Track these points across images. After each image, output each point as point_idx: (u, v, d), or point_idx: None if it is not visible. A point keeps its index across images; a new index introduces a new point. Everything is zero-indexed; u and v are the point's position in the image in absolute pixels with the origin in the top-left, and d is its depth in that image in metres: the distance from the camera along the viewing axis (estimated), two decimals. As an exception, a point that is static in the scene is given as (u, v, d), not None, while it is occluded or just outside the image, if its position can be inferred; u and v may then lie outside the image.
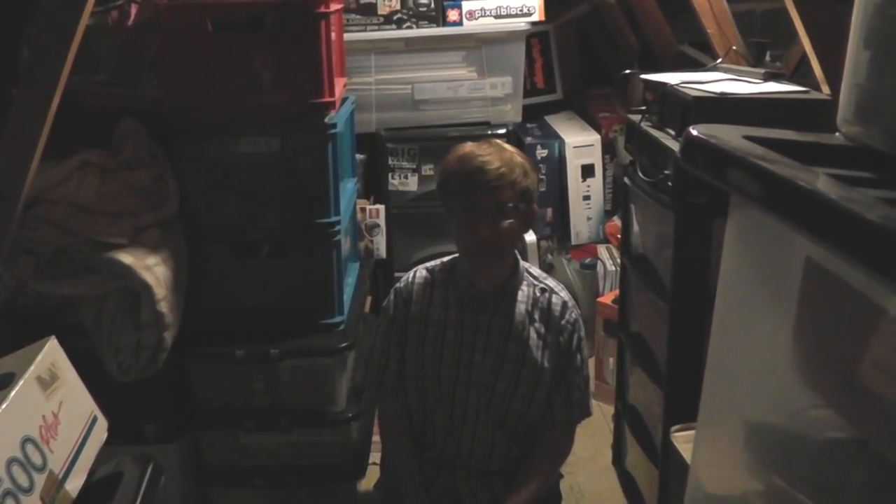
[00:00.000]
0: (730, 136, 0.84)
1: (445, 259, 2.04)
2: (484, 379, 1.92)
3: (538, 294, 1.96)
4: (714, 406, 1.01)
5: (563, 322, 1.94)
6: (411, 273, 2.04)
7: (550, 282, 2.00)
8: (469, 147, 1.89)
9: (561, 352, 1.94)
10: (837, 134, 0.95)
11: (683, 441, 1.47)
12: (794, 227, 0.71)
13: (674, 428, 1.56)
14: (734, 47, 2.66)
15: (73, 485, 1.18)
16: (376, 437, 2.49)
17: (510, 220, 1.84)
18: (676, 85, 2.13)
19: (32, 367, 1.18)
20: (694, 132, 0.87)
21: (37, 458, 1.11)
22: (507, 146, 1.92)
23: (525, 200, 1.87)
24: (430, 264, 2.05)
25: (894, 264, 0.59)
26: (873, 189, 0.75)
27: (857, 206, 0.63)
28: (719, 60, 2.54)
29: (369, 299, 2.91)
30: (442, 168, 1.93)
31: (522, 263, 1.99)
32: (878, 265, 0.61)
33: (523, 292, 1.95)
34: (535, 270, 2.02)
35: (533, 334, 1.93)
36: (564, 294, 1.99)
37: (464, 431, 1.96)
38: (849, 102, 0.93)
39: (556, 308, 1.95)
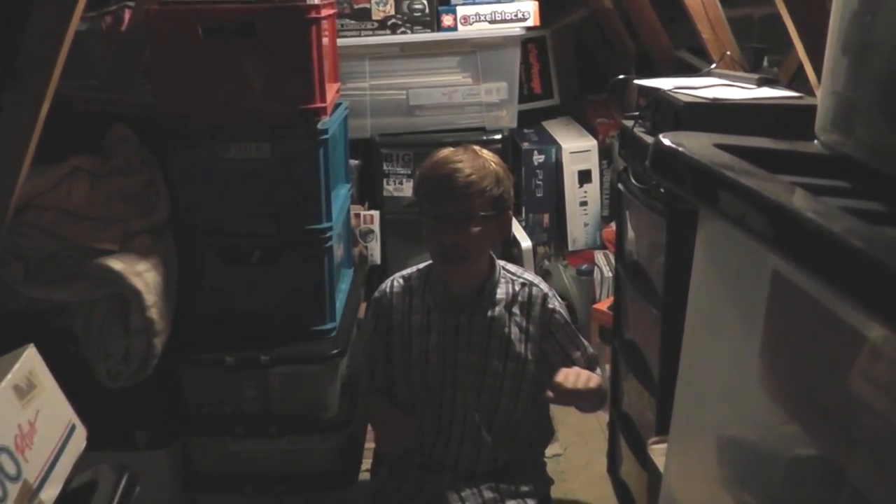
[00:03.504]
0: (699, 144, 0.82)
1: (421, 266, 2.06)
2: (470, 378, 1.94)
3: (518, 288, 1.98)
4: (685, 419, 1.00)
5: (549, 308, 1.97)
6: (387, 283, 2.05)
7: (529, 275, 2.04)
8: (445, 152, 1.90)
9: (552, 331, 1.97)
10: (816, 142, 0.93)
11: (660, 454, 1.46)
12: (759, 240, 0.70)
13: (651, 440, 1.55)
14: (728, 52, 2.65)
15: (49, 494, 1.17)
16: (368, 445, 2.49)
17: (478, 228, 1.85)
18: (669, 90, 2.12)
19: (9, 376, 1.17)
20: (665, 141, 0.85)
21: (11, 468, 1.10)
22: (485, 153, 1.93)
23: (497, 208, 1.88)
24: (405, 272, 2.07)
25: (856, 278, 0.58)
26: (845, 199, 0.73)
27: (820, 218, 0.61)
28: (713, 66, 2.53)
29: (363, 305, 2.90)
30: (421, 170, 1.96)
31: (499, 262, 2.01)
32: (842, 279, 0.60)
33: (502, 289, 1.97)
34: (512, 267, 2.04)
35: (514, 328, 1.95)
36: (544, 286, 2.02)
37: (452, 432, 1.96)
38: (827, 110, 0.91)
39: (538, 299, 1.97)
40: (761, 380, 0.79)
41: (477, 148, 1.95)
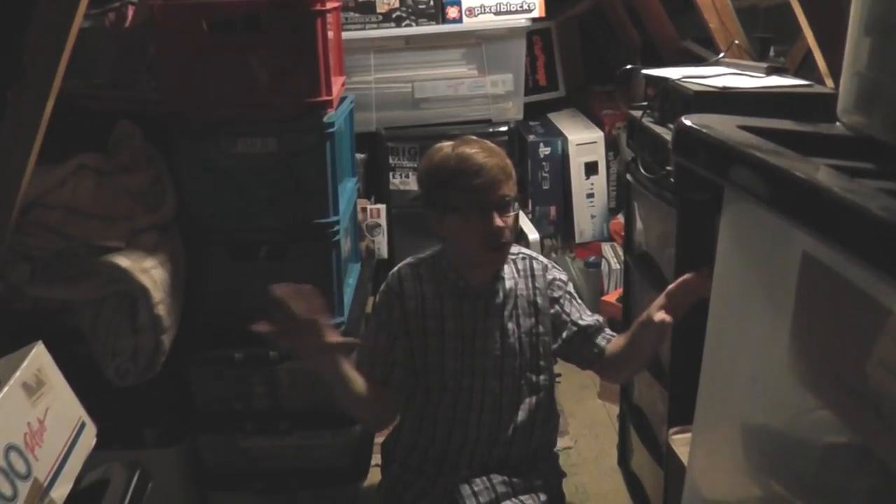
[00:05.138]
0: (724, 126, 0.80)
1: (424, 255, 2.02)
2: (491, 362, 1.91)
3: (521, 265, 1.99)
4: (710, 408, 0.98)
5: (550, 279, 1.98)
6: (396, 271, 2.01)
7: (526, 250, 2.05)
8: (459, 146, 1.87)
9: (560, 304, 1.97)
10: (838, 124, 0.92)
11: (682, 444, 1.44)
12: (791, 221, 0.68)
13: (672, 430, 1.53)
14: (736, 42, 2.62)
15: (59, 493, 1.16)
16: (377, 439, 2.47)
17: (514, 212, 1.87)
18: (678, 80, 2.10)
19: (17, 374, 1.16)
20: (687, 122, 0.84)
21: (21, 467, 1.09)
22: (486, 141, 1.92)
23: (517, 192, 1.91)
24: (411, 261, 2.02)
25: (894, 257, 0.56)
26: (874, 180, 0.71)
27: (856, 198, 0.60)
28: (721, 55, 2.51)
29: (371, 300, 2.89)
30: (434, 170, 1.88)
31: None
32: (879, 259, 0.58)
33: (508, 268, 1.97)
34: None
35: (524, 303, 1.95)
36: (543, 258, 2.04)
37: (469, 419, 1.94)
38: (849, 91, 0.89)
39: (539, 271, 1.98)
40: (791, 365, 0.77)
41: (474, 138, 1.94)
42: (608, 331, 2.00)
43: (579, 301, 2.02)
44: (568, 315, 1.99)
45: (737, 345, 0.92)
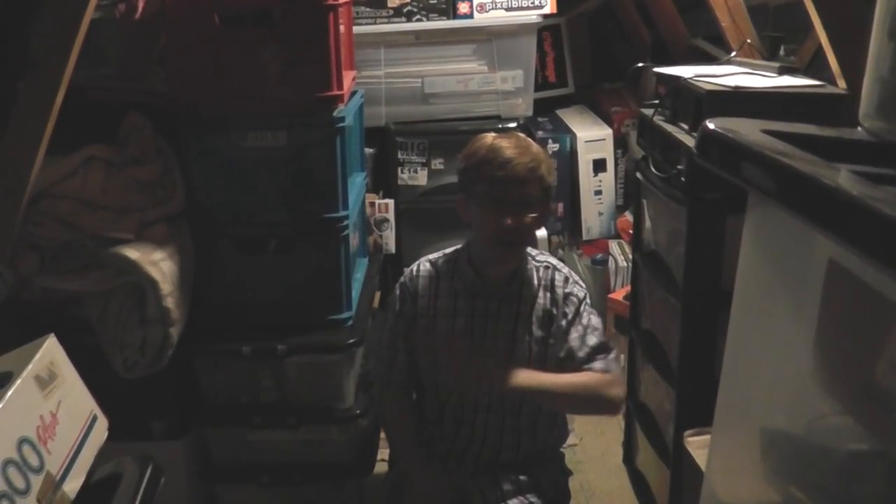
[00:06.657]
0: (748, 130, 0.80)
1: (448, 251, 2.05)
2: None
3: (542, 272, 1.98)
4: (730, 412, 0.97)
5: (567, 292, 1.96)
6: (414, 266, 2.04)
7: (552, 259, 2.03)
8: (498, 138, 1.89)
9: (567, 318, 1.94)
10: (859, 129, 0.91)
11: (697, 447, 1.44)
12: (816, 227, 0.68)
13: (688, 433, 1.52)
14: (748, 41, 2.61)
15: (72, 486, 1.15)
16: (384, 434, 2.47)
17: (534, 215, 1.87)
18: (690, 78, 2.10)
19: (30, 367, 1.15)
20: (711, 126, 0.83)
21: (33, 460, 1.09)
22: (532, 141, 1.94)
23: (546, 197, 1.90)
24: (432, 256, 2.06)
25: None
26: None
27: (882, 205, 0.59)
28: (733, 54, 2.50)
29: (378, 295, 2.89)
30: (469, 155, 1.92)
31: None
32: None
33: (528, 273, 1.97)
34: (534, 251, 2.03)
35: (539, 311, 1.95)
36: (565, 269, 2.01)
37: (476, 419, 1.95)
38: (871, 96, 0.89)
39: (559, 282, 1.97)
40: (814, 371, 0.77)
41: (523, 135, 1.96)
42: (596, 364, 1.90)
43: (587, 322, 1.94)
44: (566, 337, 1.92)
45: (758, 349, 0.91)
